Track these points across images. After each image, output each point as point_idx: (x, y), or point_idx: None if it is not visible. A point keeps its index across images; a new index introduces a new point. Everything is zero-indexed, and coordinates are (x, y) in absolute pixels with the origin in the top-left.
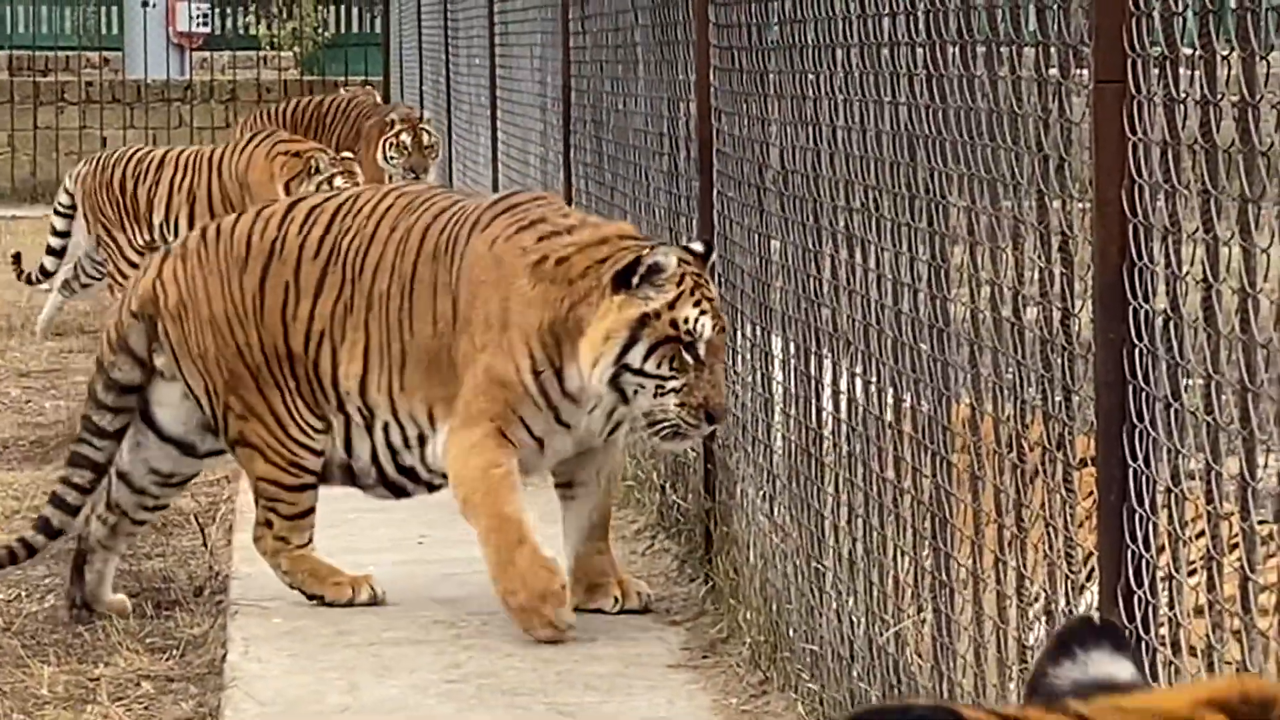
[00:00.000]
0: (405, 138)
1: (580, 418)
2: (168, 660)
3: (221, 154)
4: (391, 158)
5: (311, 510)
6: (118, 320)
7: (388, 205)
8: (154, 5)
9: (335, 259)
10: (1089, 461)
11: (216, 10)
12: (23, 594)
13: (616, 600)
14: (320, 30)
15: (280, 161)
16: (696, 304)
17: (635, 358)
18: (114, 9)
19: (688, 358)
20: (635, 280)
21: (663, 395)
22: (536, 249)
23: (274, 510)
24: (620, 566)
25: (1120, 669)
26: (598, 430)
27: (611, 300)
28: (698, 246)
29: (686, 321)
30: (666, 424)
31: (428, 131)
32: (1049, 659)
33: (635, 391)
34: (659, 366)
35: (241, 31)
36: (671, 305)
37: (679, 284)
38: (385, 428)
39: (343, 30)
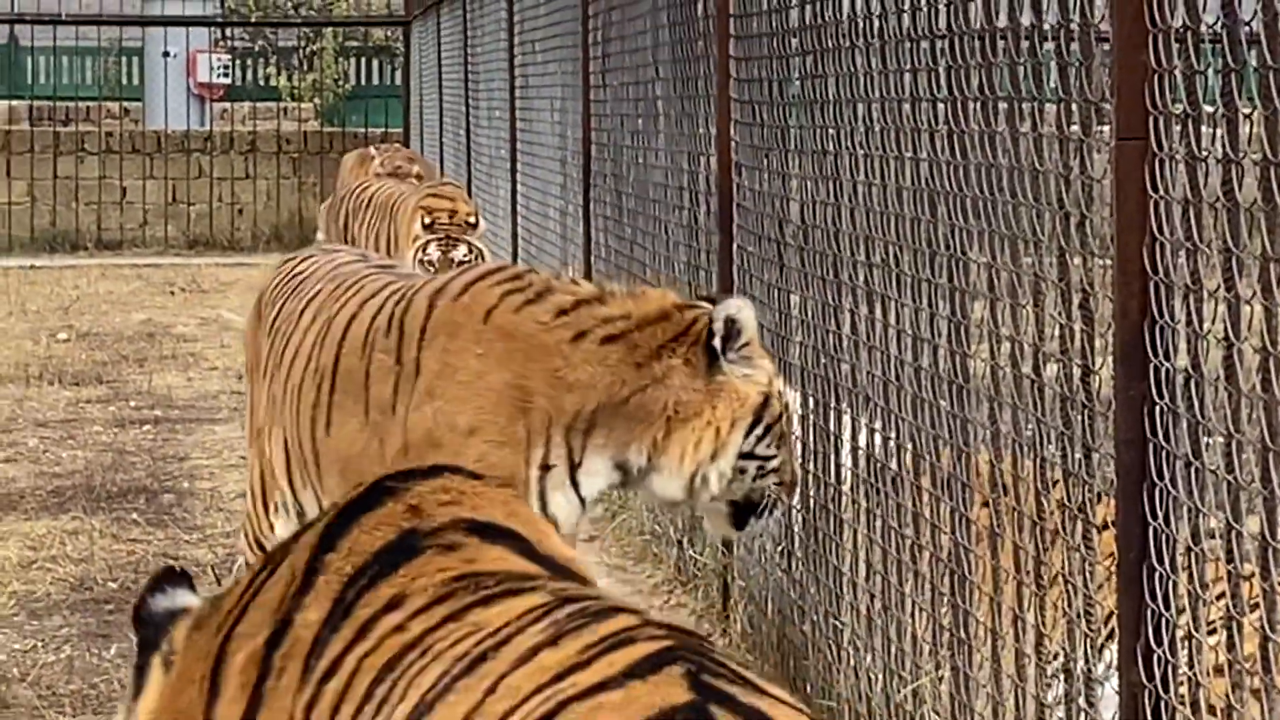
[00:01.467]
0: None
1: (565, 510)
2: None
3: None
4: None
5: None
6: None
7: (315, 288)
8: (175, 56)
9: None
10: (1109, 524)
11: (237, 62)
12: (39, 645)
13: None
14: (341, 82)
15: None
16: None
17: (753, 441)
18: (135, 60)
19: (785, 431)
20: (722, 347)
21: (763, 477)
22: (564, 323)
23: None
24: None
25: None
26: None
27: (714, 380)
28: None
29: (782, 395)
30: (766, 503)
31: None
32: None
33: (733, 478)
34: (769, 447)
35: (262, 83)
36: (776, 374)
37: (763, 347)
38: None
39: (363, 82)
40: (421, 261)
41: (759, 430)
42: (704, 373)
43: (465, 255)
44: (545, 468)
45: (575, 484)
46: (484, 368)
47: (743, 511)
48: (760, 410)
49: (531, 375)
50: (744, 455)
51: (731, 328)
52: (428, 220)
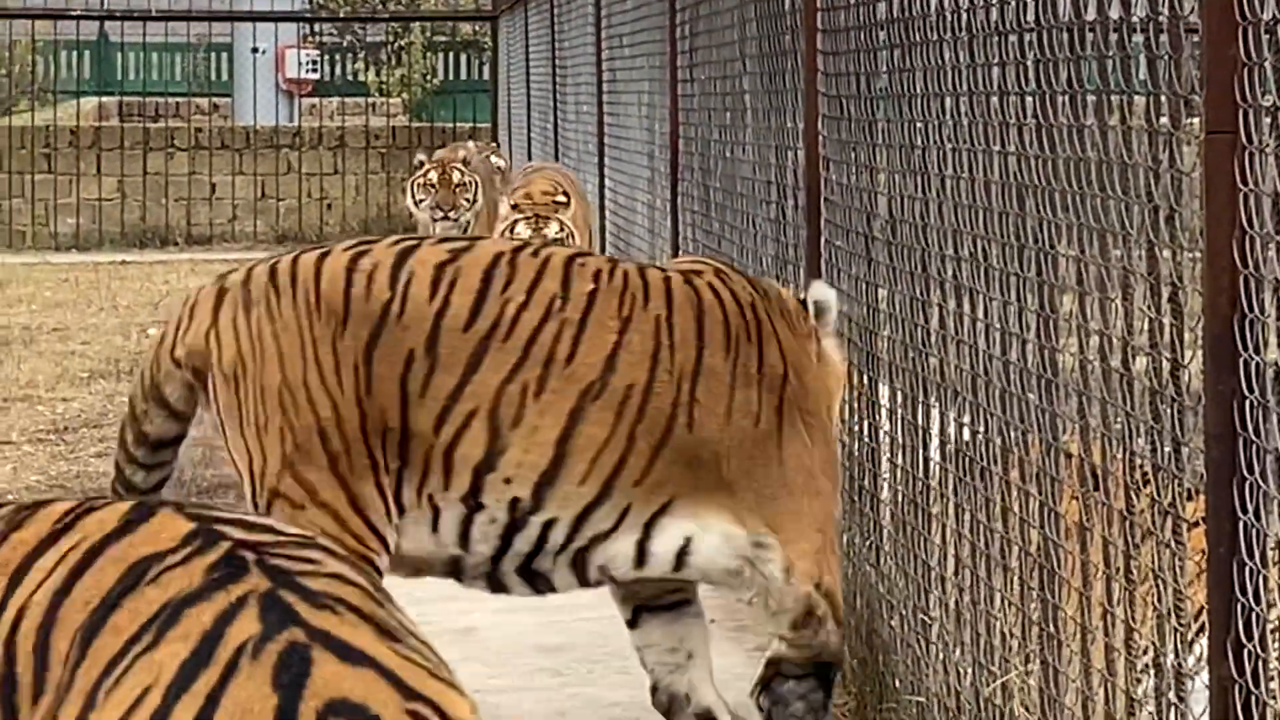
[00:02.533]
0: (433, 176)
1: None
2: None
3: None
4: (420, 199)
5: None
6: (154, 362)
7: (566, 278)
8: (264, 52)
9: (503, 335)
10: (1200, 522)
11: (325, 57)
12: None
13: None
14: (429, 77)
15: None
16: None
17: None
18: (224, 56)
19: None
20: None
21: None
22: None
23: None
24: None
25: None
26: None
27: (824, 349)
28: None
29: None
30: None
31: (459, 169)
32: None
33: None
34: None
35: (350, 78)
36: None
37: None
38: (548, 524)
39: (451, 77)
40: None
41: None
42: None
43: (557, 233)
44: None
45: None
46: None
47: None
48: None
49: (804, 369)
50: None
51: (819, 306)
52: (515, 201)
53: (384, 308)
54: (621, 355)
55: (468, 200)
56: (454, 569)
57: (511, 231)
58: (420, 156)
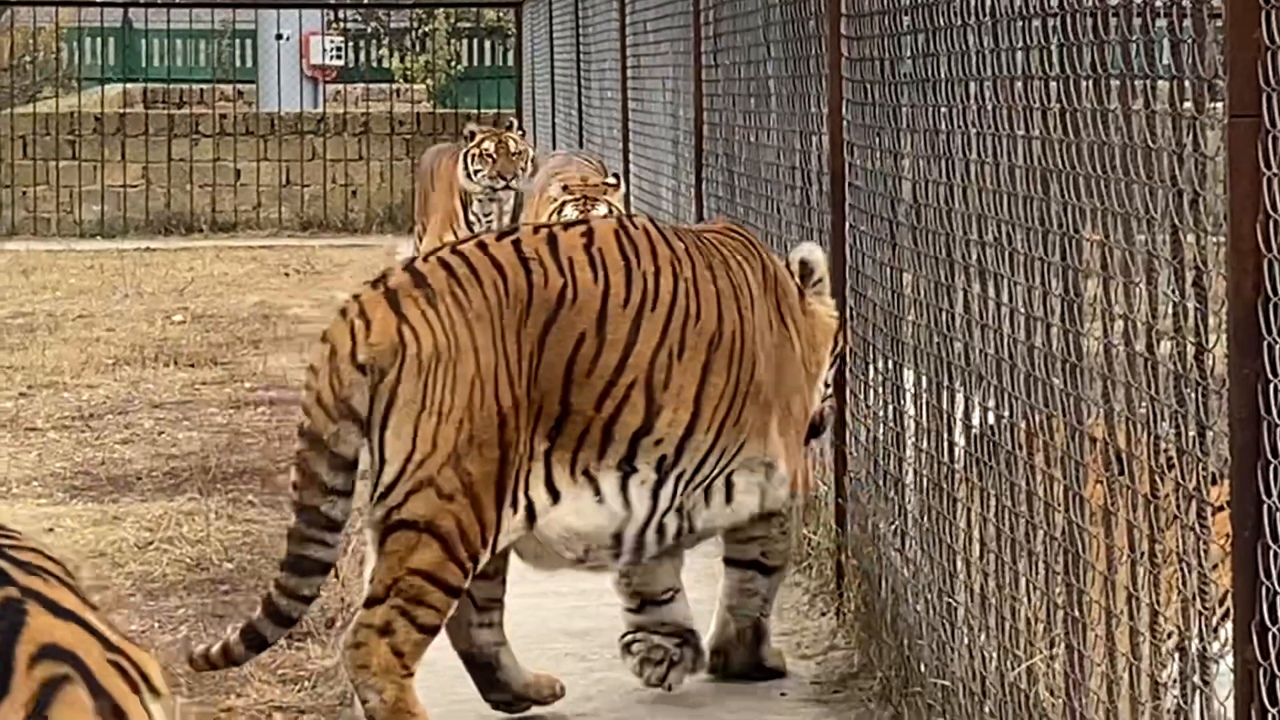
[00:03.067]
0: (489, 145)
1: None
2: (299, 692)
3: None
4: (476, 170)
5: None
6: (333, 377)
7: (668, 242)
8: (288, 39)
9: (650, 304)
10: (1225, 506)
11: (350, 44)
12: (156, 625)
13: None
14: (453, 63)
15: None
16: None
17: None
18: (248, 43)
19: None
20: (803, 282)
21: (825, 401)
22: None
23: (409, 615)
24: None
25: None
26: None
27: (809, 304)
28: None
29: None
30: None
31: (513, 139)
32: None
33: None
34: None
35: (374, 64)
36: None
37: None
38: (679, 476)
39: (475, 63)
40: None
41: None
42: (805, 299)
43: (604, 215)
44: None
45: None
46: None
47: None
48: (838, 334)
49: (794, 309)
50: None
51: (804, 265)
52: (565, 183)
53: (560, 293)
54: (723, 302)
55: (523, 169)
56: (616, 543)
57: (559, 213)
58: (471, 127)
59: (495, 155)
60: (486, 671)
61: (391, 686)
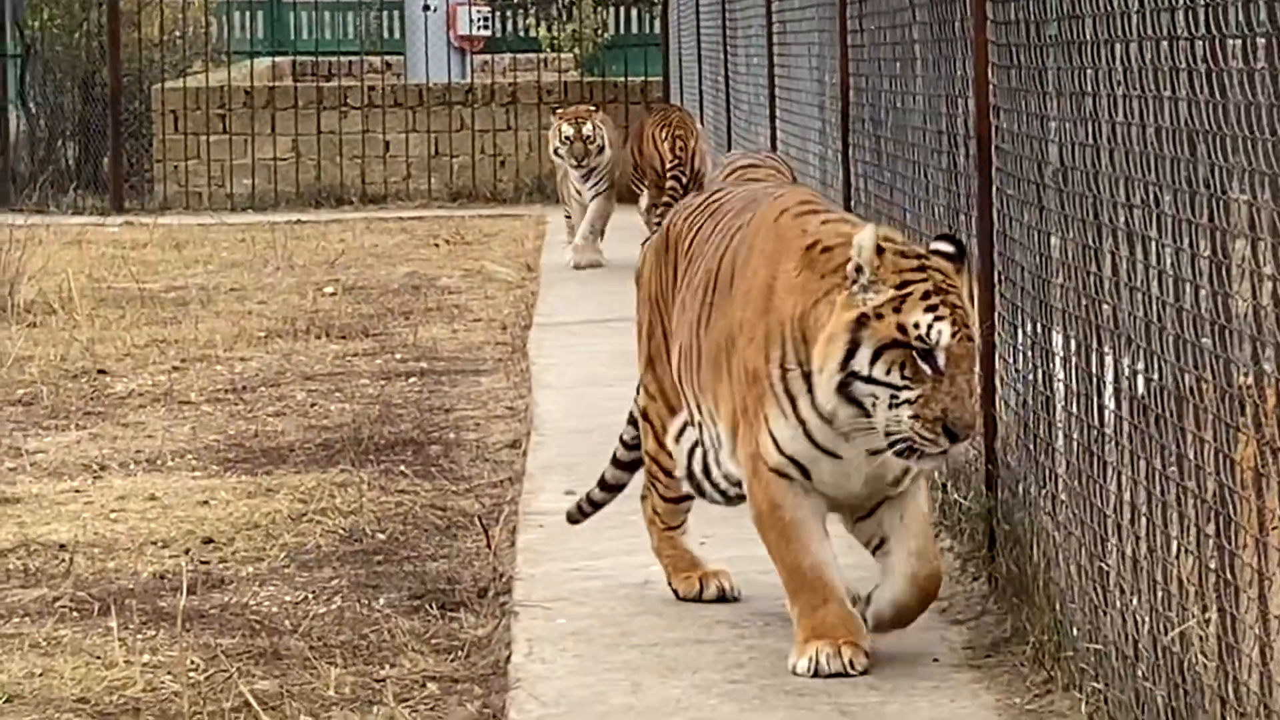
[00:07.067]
0: (567, 129)
1: (838, 444)
2: (452, 661)
3: None
4: (558, 149)
5: (688, 498)
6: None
7: (719, 200)
8: (435, 10)
9: (685, 256)
10: None
11: (497, 14)
12: (310, 596)
13: None
14: (600, 32)
15: None
16: (931, 309)
17: (861, 363)
18: (395, 14)
19: (924, 367)
20: (852, 273)
21: (896, 406)
22: (815, 233)
23: (654, 488)
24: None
25: None
26: (863, 462)
27: (838, 299)
28: (946, 246)
29: (917, 327)
30: (900, 438)
31: (588, 123)
32: None
33: (872, 403)
34: (888, 374)
35: (522, 34)
36: (897, 308)
37: (902, 286)
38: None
39: (622, 31)
40: None
41: (864, 352)
42: (842, 292)
43: None
44: (783, 370)
45: (815, 403)
46: (755, 267)
47: (891, 444)
48: (855, 329)
49: (778, 276)
50: (862, 378)
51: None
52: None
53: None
54: None
55: (596, 148)
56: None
57: None
58: (562, 110)
59: (572, 138)
60: None
61: (656, 535)
